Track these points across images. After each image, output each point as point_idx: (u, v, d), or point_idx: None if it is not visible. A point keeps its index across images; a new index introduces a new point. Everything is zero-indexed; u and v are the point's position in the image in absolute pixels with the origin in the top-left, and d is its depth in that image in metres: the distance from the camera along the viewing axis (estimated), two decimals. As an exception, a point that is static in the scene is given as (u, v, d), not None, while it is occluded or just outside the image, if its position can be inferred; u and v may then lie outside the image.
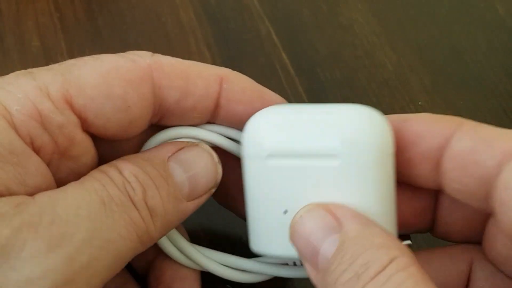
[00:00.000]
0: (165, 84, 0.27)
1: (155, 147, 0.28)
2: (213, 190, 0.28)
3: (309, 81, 0.42)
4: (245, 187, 0.27)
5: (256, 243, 0.28)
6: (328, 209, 0.25)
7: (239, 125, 0.28)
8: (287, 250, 0.26)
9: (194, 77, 0.27)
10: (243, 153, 0.27)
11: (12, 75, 0.25)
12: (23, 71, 0.25)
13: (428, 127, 0.26)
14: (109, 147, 0.28)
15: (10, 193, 0.23)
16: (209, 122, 0.29)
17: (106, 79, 0.25)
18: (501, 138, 0.24)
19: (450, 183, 0.25)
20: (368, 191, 0.25)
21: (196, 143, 0.28)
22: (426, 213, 0.29)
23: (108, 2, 0.47)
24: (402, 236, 0.27)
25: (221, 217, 0.31)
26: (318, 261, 0.24)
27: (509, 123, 0.40)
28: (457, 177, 0.25)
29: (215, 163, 0.28)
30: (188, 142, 0.28)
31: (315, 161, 0.25)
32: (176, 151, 0.27)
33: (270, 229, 0.27)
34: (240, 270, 0.30)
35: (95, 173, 0.25)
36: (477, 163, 0.24)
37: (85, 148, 0.26)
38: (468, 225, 0.28)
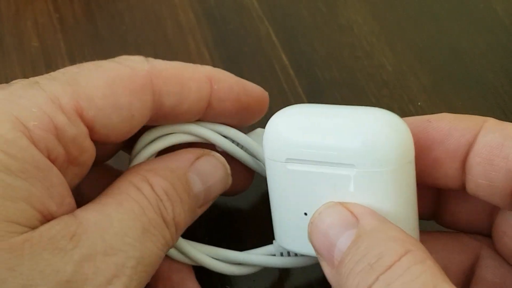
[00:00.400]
0: (164, 90, 0.27)
1: (174, 153, 0.29)
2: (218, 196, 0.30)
3: (309, 82, 0.42)
4: (269, 186, 0.28)
5: (280, 239, 0.29)
6: (346, 206, 0.25)
7: (226, 120, 0.30)
8: (308, 248, 0.26)
9: (187, 81, 0.28)
10: (265, 155, 0.27)
11: (18, 86, 0.25)
12: (27, 80, 0.25)
13: (454, 125, 0.26)
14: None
15: (45, 209, 0.23)
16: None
17: (112, 89, 0.26)
18: None
19: (476, 178, 0.25)
20: (387, 201, 0.25)
21: (210, 152, 0.29)
22: (428, 201, 0.29)
23: (107, 3, 0.47)
24: None
25: (212, 210, 0.31)
26: (334, 255, 0.24)
27: (508, 124, 0.40)
28: (483, 172, 0.25)
29: (228, 175, 0.30)
30: (202, 150, 0.29)
31: (333, 169, 0.25)
32: (195, 161, 0.28)
33: (292, 228, 0.28)
34: (231, 263, 0.31)
35: (130, 190, 0.26)
36: (506, 157, 0.24)
37: (91, 155, 0.26)
38: (476, 217, 0.28)
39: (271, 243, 0.30)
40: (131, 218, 0.25)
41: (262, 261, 0.30)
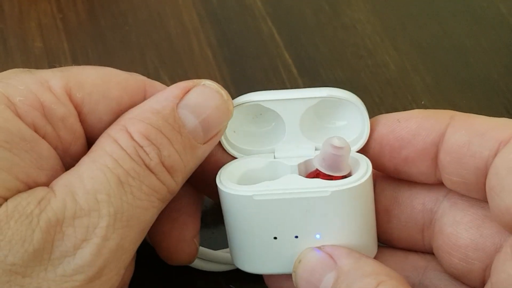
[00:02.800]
0: None
1: (160, 92, 0.27)
2: (226, 125, 0.27)
3: (312, 81, 0.42)
4: (228, 216, 0.27)
5: (242, 263, 0.28)
6: (324, 250, 0.26)
7: None
8: (277, 268, 0.27)
9: None
10: (221, 187, 0.27)
11: (10, 71, 0.26)
12: (21, 69, 0.26)
13: (421, 125, 0.26)
14: None
15: (30, 180, 0.23)
16: None
17: (104, 80, 0.26)
18: (495, 128, 0.25)
19: (449, 176, 0.26)
20: (357, 211, 0.26)
21: (200, 81, 0.27)
22: None
23: (111, 3, 0.47)
24: None
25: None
26: None
27: (512, 122, 0.40)
28: (454, 170, 0.25)
29: (225, 100, 0.27)
30: (192, 81, 0.27)
31: (304, 193, 0.26)
32: (183, 96, 0.26)
33: (258, 252, 0.27)
34: (208, 260, 0.32)
35: (105, 144, 0.25)
36: (473, 155, 0.25)
37: (84, 144, 0.26)
38: (407, 234, 0.28)
39: None
40: (103, 172, 0.24)
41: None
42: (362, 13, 0.46)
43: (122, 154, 0.24)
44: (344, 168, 0.26)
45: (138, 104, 0.26)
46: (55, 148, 0.25)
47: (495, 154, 0.24)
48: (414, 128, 0.26)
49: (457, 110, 0.27)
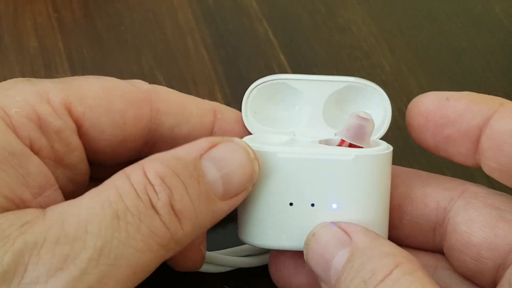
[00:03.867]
0: (162, 109, 0.27)
1: (188, 143, 0.26)
2: (250, 188, 0.26)
3: (307, 82, 0.42)
4: None
5: (252, 236, 0.27)
6: (339, 225, 0.25)
7: None
8: (290, 242, 0.27)
9: (190, 106, 0.28)
10: None
11: (10, 81, 0.25)
12: (21, 78, 0.26)
13: (469, 106, 0.26)
14: (99, 170, 0.28)
15: (15, 196, 0.22)
16: None
17: (107, 94, 0.26)
18: None
19: (487, 161, 0.26)
20: (376, 185, 0.26)
21: (230, 138, 0.26)
22: None
23: (106, 3, 0.47)
24: None
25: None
26: (331, 274, 0.24)
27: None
28: (494, 156, 0.25)
29: (250, 159, 0.26)
30: (221, 137, 0.26)
31: (328, 154, 0.26)
32: (209, 148, 0.25)
33: (272, 221, 0.27)
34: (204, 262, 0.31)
35: (116, 178, 0.24)
36: None
37: (81, 156, 0.26)
38: (419, 231, 0.28)
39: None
40: (101, 205, 0.22)
41: (235, 262, 0.31)
42: (358, 14, 0.46)
43: (128, 190, 0.23)
44: (367, 141, 0.27)
45: (143, 116, 0.26)
46: (48, 158, 0.25)
47: None
48: (461, 109, 0.26)
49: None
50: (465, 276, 0.27)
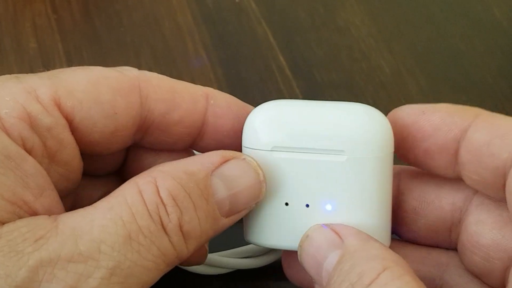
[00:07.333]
0: (153, 95, 0.27)
1: (201, 154, 0.26)
2: (253, 206, 0.27)
3: (306, 83, 0.42)
4: None
5: (253, 235, 0.28)
6: (331, 227, 0.25)
7: (224, 145, 0.28)
8: (285, 241, 0.27)
9: (181, 91, 0.27)
10: (245, 145, 0.27)
11: None
12: (8, 75, 0.25)
13: (444, 119, 0.26)
14: (91, 163, 0.27)
15: (18, 199, 0.23)
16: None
17: (95, 85, 0.25)
18: None
19: (468, 174, 0.26)
20: (369, 188, 0.26)
21: (241, 155, 0.27)
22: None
23: (105, 4, 0.47)
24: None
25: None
26: (323, 276, 0.24)
27: (505, 126, 0.40)
28: (474, 168, 0.25)
29: (260, 181, 0.26)
30: (233, 152, 0.27)
31: (322, 156, 0.26)
32: (221, 164, 0.26)
33: (270, 221, 0.27)
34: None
35: (128, 192, 0.24)
36: (493, 156, 0.25)
37: (73, 152, 0.26)
38: (434, 232, 0.28)
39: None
40: (116, 224, 0.23)
41: (235, 263, 0.31)
42: (357, 15, 0.46)
43: (141, 210, 0.23)
44: None
45: (134, 104, 0.26)
46: (41, 157, 0.24)
47: None
48: (437, 122, 0.26)
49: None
50: (475, 275, 0.27)
